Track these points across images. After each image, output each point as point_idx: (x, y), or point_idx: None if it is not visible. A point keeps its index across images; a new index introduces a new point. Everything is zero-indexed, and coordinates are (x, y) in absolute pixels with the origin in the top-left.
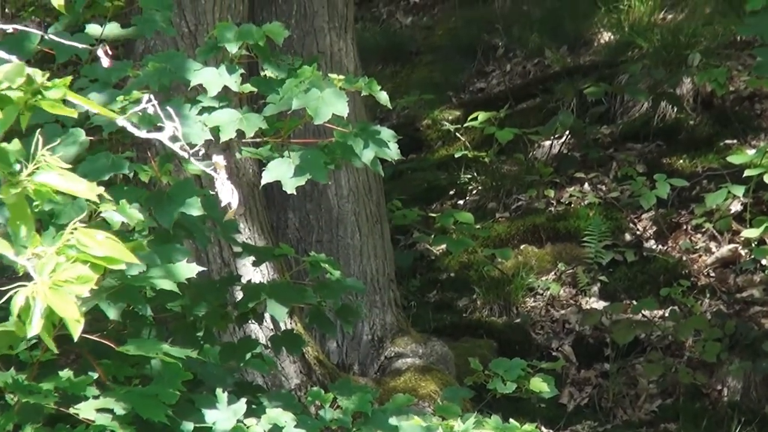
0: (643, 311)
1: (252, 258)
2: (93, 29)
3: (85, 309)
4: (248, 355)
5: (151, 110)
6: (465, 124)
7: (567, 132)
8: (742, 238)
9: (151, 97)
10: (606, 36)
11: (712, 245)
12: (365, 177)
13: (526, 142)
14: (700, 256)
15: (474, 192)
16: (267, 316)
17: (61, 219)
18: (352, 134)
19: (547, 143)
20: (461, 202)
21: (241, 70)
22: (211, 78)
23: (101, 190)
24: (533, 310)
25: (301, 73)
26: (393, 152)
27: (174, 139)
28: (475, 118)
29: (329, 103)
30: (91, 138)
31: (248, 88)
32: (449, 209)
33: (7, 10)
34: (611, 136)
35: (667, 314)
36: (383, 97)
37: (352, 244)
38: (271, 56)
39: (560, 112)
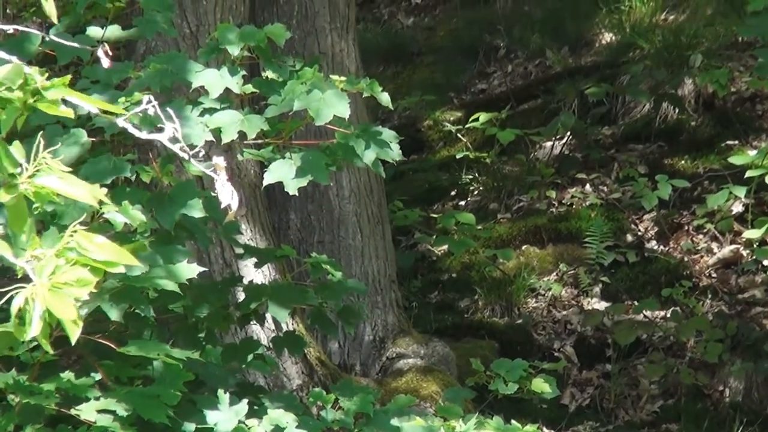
0: (644, 312)
1: (254, 258)
2: (94, 31)
3: (87, 311)
4: (250, 356)
5: (151, 111)
6: (466, 125)
7: (568, 133)
8: (744, 239)
9: (152, 98)
10: (607, 37)
11: (714, 246)
12: (366, 178)
13: (527, 143)
14: (701, 256)
15: (475, 193)
16: (269, 317)
17: (64, 220)
18: (353, 135)
19: (549, 144)
20: (463, 202)
21: (243, 72)
22: (213, 80)
23: (104, 193)
24: (535, 310)
25: (303, 75)
26: (394, 153)
27: (174, 140)
28: (477, 119)
29: (331, 105)
30: (93, 139)
31: (250, 89)
32: (451, 210)
33: (8, 11)
34: (613, 137)
35: (668, 315)
36: (385, 98)
37: (354, 245)
38: (272, 57)
39: (562, 112)
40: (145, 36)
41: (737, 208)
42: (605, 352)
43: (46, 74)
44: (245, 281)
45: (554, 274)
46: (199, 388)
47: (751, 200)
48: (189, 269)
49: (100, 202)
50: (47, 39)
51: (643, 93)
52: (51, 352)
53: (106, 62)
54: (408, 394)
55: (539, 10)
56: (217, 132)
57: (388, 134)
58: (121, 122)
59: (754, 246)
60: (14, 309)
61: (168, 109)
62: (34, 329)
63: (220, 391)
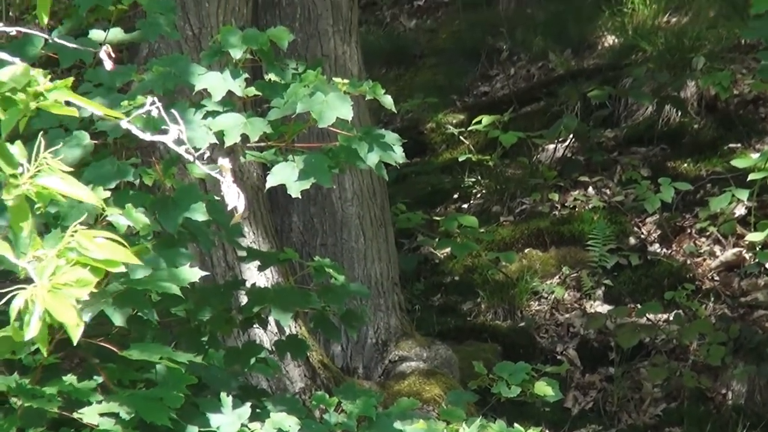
0: (647, 315)
1: (256, 262)
2: (96, 34)
3: (91, 314)
4: (253, 360)
5: (155, 113)
6: (469, 128)
7: (571, 135)
8: (747, 242)
9: (155, 99)
10: (610, 39)
11: (717, 249)
12: (369, 180)
13: (530, 146)
14: (704, 259)
15: (478, 195)
16: (271, 320)
17: (67, 221)
18: (356, 138)
19: (551, 147)
20: (465, 205)
21: (246, 75)
22: (216, 82)
23: (107, 195)
24: (537, 313)
25: (306, 77)
26: (398, 156)
27: (178, 142)
28: (479, 122)
29: (333, 107)
30: (96, 142)
31: (252, 92)
32: (453, 213)
33: (11, 13)
34: (615, 140)
35: (671, 318)
36: (388, 101)
37: (356, 248)
38: (275, 60)
39: (564, 115)
40: (147, 39)
41: (740, 211)
42: (608, 355)
43: (49, 76)
44: (248, 284)
45: (557, 277)
46: (202, 392)
47: (754, 203)
48: (191, 273)
49: (105, 200)
50: (50, 41)
51: (646, 96)
52: (45, 355)
53: (108, 64)
54: (411, 397)
55: (542, 13)
56: (220, 135)
57: (391, 137)
58: (125, 124)
59: (757, 249)
60: (14, 310)
61: (173, 111)
62: (32, 330)
63: (223, 395)
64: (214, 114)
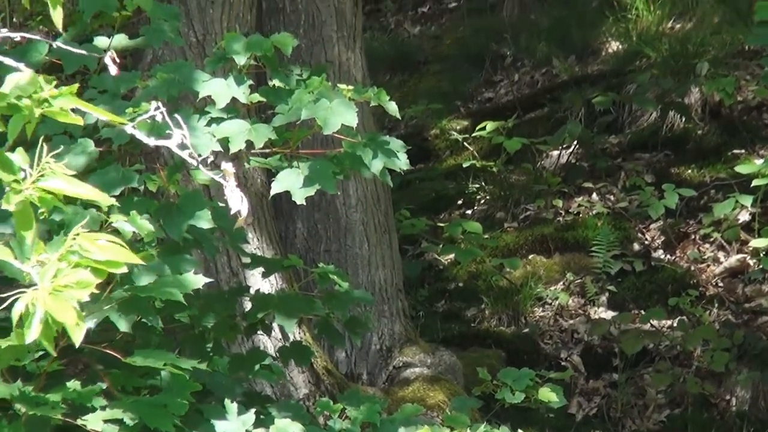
0: (651, 321)
1: (261, 268)
2: (101, 41)
3: (96, 321)
4: (257, 366)
5: (159, 117)
6: (473, 134)
7: (575, 142)
8: (751, 248)
9: (159, 104)
10: (614, 45)
11: (721, 255)
12: (373, 187)
13: (534, 152)
14: (708, 265)
15: (482, 202)
16: (275, 326)
17: (72, 229)
18: (361, 144)
19: (555, 153)
20: (469, 211)
21: (250, 81)
22: (220, 89)
23: (112, 200)
24: (542, 319)
25: (310, 84)
26: (402, 163)
27: (182, 146)
28: (483, 128)
29: (338, 114)
30: (100, 149)
31: (257, 98)
32: (457, 219)
33: (14, 19)
34: (619, 146)
35: (675, 324)
36: (392, 107)
37: (361, 254)
38: (279, 66)
39: (568, 121)
40: (152, 45)
41: (744, 217)
42: (612, 362)
43: (54, 83)
44: (252, 291)
45: (561, 283)
46: (206, 398)
47: (758, 209)
48: (196, 279)
49: (108, 212)
50: (54, 47)
51: (650, 102)
52: (53, 353)
53: (113, 69)
54: (415, 404)
55: (546, 19)
56: (224, 141)
57: (395, 144)
58: (129, 129)
59: (761, 255)
60: (15, 314)
61: (176, 115)
62: (33, 333)
63: (227, 401)
64: (218, 120)
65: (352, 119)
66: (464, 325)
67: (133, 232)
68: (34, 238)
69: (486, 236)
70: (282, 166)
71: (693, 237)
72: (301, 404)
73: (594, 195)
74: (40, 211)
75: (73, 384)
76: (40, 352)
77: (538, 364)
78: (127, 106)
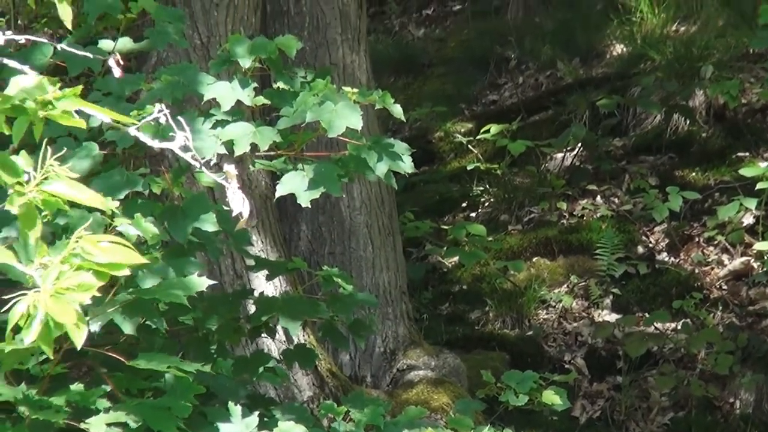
0: (655, 324)
1: (265, 270)
2: (105, 43)
3: (100, 323)
4: (261, 369)
5: (163, 120)
6: (477, 137)
7: (579, 144)
8: (755, 251)
9: (163, 106)
10: (618, 48)
11: (725, 258)
12: (377, 189)
13: (538, 155)
14: (712, 268)
15: (486, 204)
16: (279, 329)
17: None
18: (365, 147)
19: (560, 155)
20: (473, 214)
21: (254, 84)
22: (224, 92)
23: (115, 204)
24: (545, 322)
25: (315, 86)
26: (407, 165)
27: (185, 149)
28: (488, 131)
29: (343, 116)
30: (105, 152)
31: (261, 101)
32: (461, 221)
33: (19, 21)
34: (624, 149)
35: (679, 327)
36: (397, 110)
37: (365, 257)
38: (283, 69)
39: (572, 124)
40: (156, 47)
41: (748, 219)
42: (616, 364)
43: (59, 84)
44: (256, 293)
45: (565, 285)
46: (210, 401)
47: (762, 212)
48: (200, 282)
49: (112, 215)
50: (58, 49)
51: (654, 104)
52: (51, 356)
53: (117, 72)
54: (419, 406)
55: (550, 22)
56: (229, 144)
57: (400, 146)
58: (133, 131)
59: (765, 258)
60: (15, 316)
61: (179, 118)
62: (32, 334)
63: (231, 404)
64: (222, 123)
65: (356, 122)
66: (468, 327)
67: (138, 235)
68: (37, 241)
69: (490, 239)
70: (287, 169)
71: (697, 240)
72: (305, 407)
73: (598, 198)
74: (43, 214)
75: (77, 387)
76: (44, 356)
77: (541, 367)
78: (132, 109)
